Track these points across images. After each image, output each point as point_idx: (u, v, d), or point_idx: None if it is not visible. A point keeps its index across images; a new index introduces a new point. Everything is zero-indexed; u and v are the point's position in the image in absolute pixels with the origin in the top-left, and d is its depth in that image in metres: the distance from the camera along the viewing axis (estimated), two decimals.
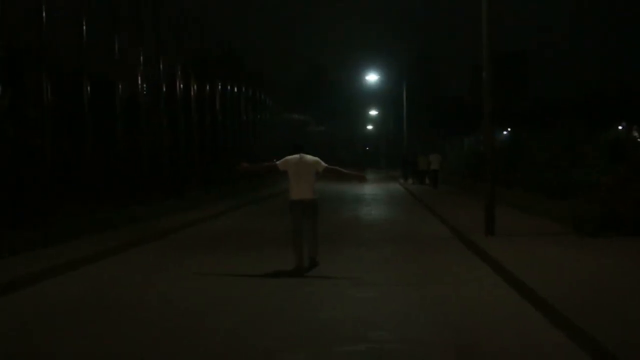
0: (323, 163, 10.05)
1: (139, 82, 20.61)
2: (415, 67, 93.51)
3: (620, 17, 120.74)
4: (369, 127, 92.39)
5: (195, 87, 26.13)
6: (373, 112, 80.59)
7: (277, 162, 10.24)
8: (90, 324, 7.01)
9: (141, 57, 20.73)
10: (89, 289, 8.83)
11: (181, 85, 24.45)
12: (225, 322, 6.94)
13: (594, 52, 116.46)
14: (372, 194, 29.84)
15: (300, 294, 8.28)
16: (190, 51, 26.66)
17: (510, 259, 9.48)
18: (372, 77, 57.53)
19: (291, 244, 9.97)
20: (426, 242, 13.06)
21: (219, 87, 30.30)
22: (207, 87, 28.18)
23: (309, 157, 10.07)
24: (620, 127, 44.46)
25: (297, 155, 10.05)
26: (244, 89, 36.03)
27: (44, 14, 15.21)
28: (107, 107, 18.32)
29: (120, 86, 19.02)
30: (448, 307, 7.48)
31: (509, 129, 49.43)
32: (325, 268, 10.01)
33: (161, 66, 22.43)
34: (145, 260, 11.26)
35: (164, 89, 22.66)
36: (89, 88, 17.06)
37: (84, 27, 17.05)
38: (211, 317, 7.20)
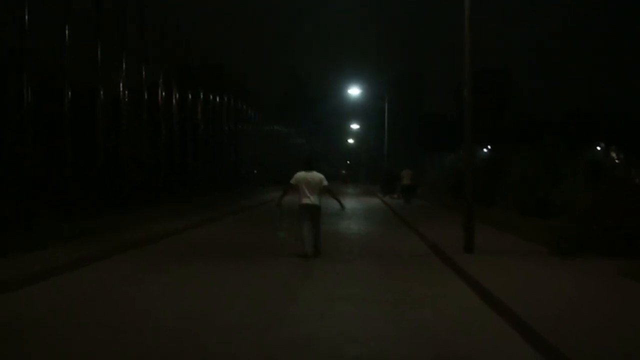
0: (325, 181, 12.83)
1: (121, 89, 20.54)
2: (399, 82, 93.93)
3: (604, 39, 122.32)
4: (350, 140, 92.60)
5: (177, 95, 26.08)
6: (355, 126, 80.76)
7: (292, 182, 12.88)
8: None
9: (124, 64, 20.67)
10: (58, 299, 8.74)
11: (163, 94, 24.41)
12: (200, 338, 6.87)
13: (577, 72, 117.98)
14: (352, 209, 29.83)
15: (276, 308, 8.23)
16: (173, 59, 26.65)
17: (487, 277, 9.51)
18: (354, 91, 57.64)
19: (300, 236, 12.62)
20: (404, 258, 13.07)
21: (201, 96, 30.27)
22: (189, 96, 28.14)
23: (317, 173, 12.82)
24: (598, 148, 44.92)
25: (307, 171, 12.80)
26: (226, 99, 36.02)
27: (26, 18, 15.13)
28: (88, 113, 18.23)
29: (101, 92, 18.93)
30: (424, 324, 7.48)
31: (489, 147, 49.76)
32: (303, 283, 10.02)
33: (144, 74, 22.37)
34: (119, 270, 11.15)
35: (146, 97, 22.60)
36: (69, 93, 16.96)
37: (67, 33, 16.98)
38: (188, 333, 7.13)
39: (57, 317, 7.65)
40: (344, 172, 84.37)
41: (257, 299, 8.81)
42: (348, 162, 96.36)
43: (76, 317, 7.70)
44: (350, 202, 34.68)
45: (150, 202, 21.02)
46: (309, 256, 12.39)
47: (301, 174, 12.84)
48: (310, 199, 12.60)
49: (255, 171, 48.29)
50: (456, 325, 7.47)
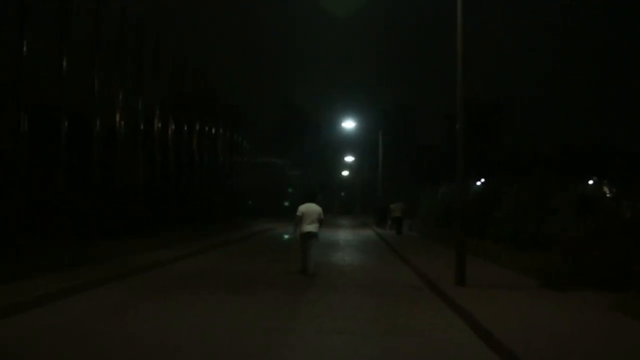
0: (322, 215, 15.17)
1: (117, 119, 20.68)
2: (392, 114, 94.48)
3: (596, 73, 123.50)
4: (345, 172, 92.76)
5: (172, 126, 26.24)
6: (349, 159, 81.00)
7: (298, 214, 15.01)
8: None
9: (120, 95, 20.85)
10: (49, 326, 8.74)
11: (159, 124, 24.55)
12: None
13: (570, 107, 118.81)
14: (346, 240, 29.90)
15: (266, 340, 8.24)
16: (170, 91, 26.87)
17: (478, 310, 9.56)
18: (348, 124, 57.94)
19: (301, 257, 15.01)
20: (396, 291, 13.08)
21: (197, 127, 30.44)
22: (185, 127, 28.31)
23: (316, 206, 15.12)
24: (590, 182, 45.09)
25: (309, 203, 15.12)
26: (221, 130, 36.21)
27: (24, 48, 15.30)
28: (84, 142, 18.34)
29: (98, 122, 19.06)
30: (415, 355, 7.51)
31: (482, 180, 49.93)
32: (293, 313, 10.07)
33: (140, 104, 22.55)
34: (110, 300, 11.14)
35: (142, 127, 22.74)
36: (66, 123, 17.09)
37: (64, 63, 17.16)
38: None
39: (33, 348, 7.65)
40: (337, 204, 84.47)
41: (246, 329, 8.81)
42: (342, 194, 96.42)
43: (52, 347, 7.69)
44: (345, 234, 34.77)
45: (143, 232, 21.02)
46: (309, 274, 14.71)
47: (304, 206, 15.10)
48: (310, 227, 14.86)
49: (250, 202, 48.33)
50: (446, 356, 7.50)
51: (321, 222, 15.19)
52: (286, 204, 64.24)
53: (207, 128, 32.75)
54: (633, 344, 7.74)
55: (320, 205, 15.39)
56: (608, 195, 17.41)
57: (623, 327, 8.69)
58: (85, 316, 9.52)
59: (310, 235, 14.93)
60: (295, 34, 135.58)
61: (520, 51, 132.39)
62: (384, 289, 13.32)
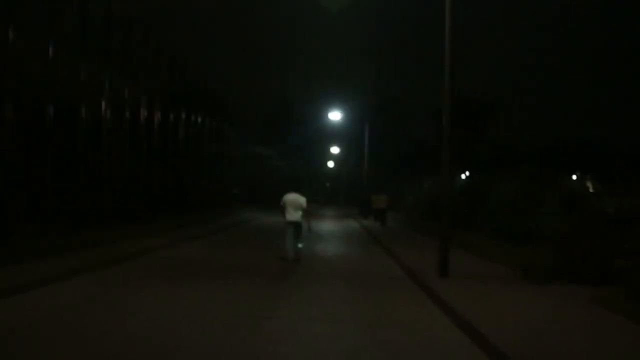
0: (305, 204, 15.19)
1: (103, 107, 20.57)
2: (379, 106, 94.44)
3: (594, 72, 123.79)
4: (331, 164, 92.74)
5: (159, 115, 26.13)
6: (335, 150, 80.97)
7: (282, 204, 15.17)
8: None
9: (106, 83, 20.74)
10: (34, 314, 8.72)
11: (145, 113, 24.44)
12: (186, 356, 6.91)
13: (557, 103, 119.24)
14: (330, 231, 29.94)
15: (253, 329, 8.28)
16: (156, 78, 26.74)
17: (460, 302, 9.65)
18: (335, 115, 57.85)
19: (283, 245, 14.98)
20: (380, 282, 13.16)
21: (183, 116, 30.33)
22: (171, 116, 28.19)
23: (300, 196, 15.22)
24: (574, 177, 45.46)
25: (293, 194, 15.27)
26: (208, 120, 36.10)
27: (10, 34, 15.19)
28: (70, 131, 18.24)
29: (83, 110, 18.95)
30: (397, 348, 7.57)
31: (467, 173, 50.19)
32: (279, 304, 10.10)
33: (126, 93, 22.43)
34: (95, 287, 11.14)
35: (128, 115, 22.63)
36: (51, 111, 16.98)
37: (50, 49, 17.04)
38: (171, 353, 7.17)
39: (21, 334, 7.65)
40: (322, 195, 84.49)
41: (232, 318, 8.86)
42: (327, 184, 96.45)
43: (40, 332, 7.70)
44: (329, 225, 34.83)
45: (128, 220, 20.98)
46: (289, 260, 14.84)
47: (287, 196, 15.27)
48: (293, 217, 15.04)
49: (236, 191, 48.29)
50: (428, 349, 7.58)
51: (304, 212, 15.29)
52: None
53: (193, 118, 32.64)
54: (611, 337, 7.84)
55: (305, 196, 15.51)
56: (591, 190, 17.57)
57: (603, 321, 8.80)
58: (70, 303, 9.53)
59: (293, 224, 15.14)
60: (288, 28, 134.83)
61: (518, 49, 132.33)
62: (368, 280, 13.38)
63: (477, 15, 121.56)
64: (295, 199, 15.25)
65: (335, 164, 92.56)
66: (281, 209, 15.34)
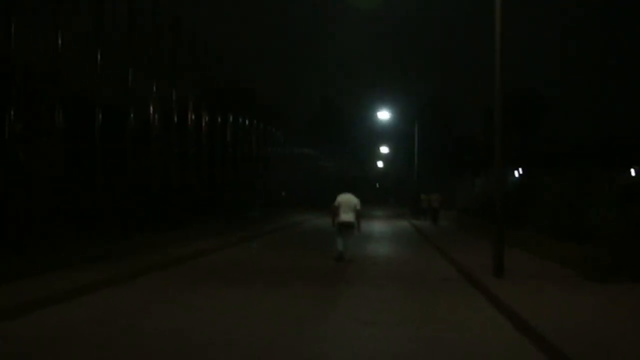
0: (359, 205, 15.53)
1: (151, 111, 20.71)
2: (427, 105, 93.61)
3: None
4: (379, 163, 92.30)
5: (206, 118, 26.24)
6: (384, 150, 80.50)
7: (335, 204, 15.58)
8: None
9: (154, 88, 20.87)
10: (87, 317, 8.72)
11: (193, 117, 24.57)
12: (233, 357, 6.84)
13: (613, 96, 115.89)
14: (380, 232, 29.69)
15: (305, 331, 8.12)
16: (204, 82, 26.88)
17: (517, 302, 9.31)
18: (383, 115, 57.53)
19: (335, 244, 15.53)
20: (432, 283, 12.87)
21: (231, 119, 30.44)
22: (219, 120, 28.31)
23: (353, 197, 15.57)
24: (632, 171, 44.24)
25: (346, 194, 15.62)
26: (255, 122, 36.20)
27: (59, 42, 15.36)
28: (118, 135, 18.39)
29: (132, 115, 19.10)
30: (452, 349, 7.32)
31: (520, 170, 49.27)
32: (330, 306, 9.96)
33: (174, 97, 22.56)
34: (155, 289, 11.15)
35: (176, 120, 22.76)
36: (100, 116, 17.14)
37: (99, 56, 17.21)
38: (218, 351, 7.08)
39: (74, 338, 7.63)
40: (373, 195, 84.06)
41: (287, 320, 8.74)
42: (377, 185, 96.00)
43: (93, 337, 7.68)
44: (380, 225, 34.57)
45: (178, 223, 21.08)
46: (341, 260, 15.25)
47: (341, 197, 15.68)
48: (346, 217, 15.39)
49: (283, 193, 48.35)
50: (485, 351, 7.31)
51: (358, 213, 15.51)
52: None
53: (240, 120, 32.74)
54: None
55: (358, 197, 15.74)
56: None
57: None
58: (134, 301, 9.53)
59: (346, 225, 15.44)
60: (327, 28, 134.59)
61: (566, 41, 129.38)
62: (420, 281, 13.13)
63: (528, 9, 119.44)
64: (349, 199, 15.54)
65: (384, 163, 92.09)
66: (333, 210, 15.67)
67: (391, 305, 10.18)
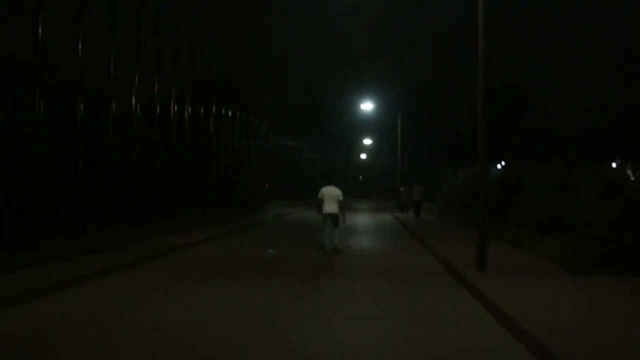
0: (341, 197, 16.13)
1: (133, 102, 20.48)
2: (411, 98, 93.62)
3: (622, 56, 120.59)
4: (363, 156, 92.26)
5: (189, 109, 26.01)
6: (367, 141, 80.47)
7: (319, 197, 16.18)
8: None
9: (136, 77, 20.64)
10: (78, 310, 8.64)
11: (175, 107, 24.33)
12: (216, 351, 6.81)
13: (594, 88, 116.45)
14: (364, 224, 29.69)
15: (290, 326, 8.08)
16: (186, 73, 26.62)
17: (500, 296, 9.32)
18: (367, 106, 57.39)
19: (321, 236, 16.31)
20: (416, 276, 12.88)
21: (214, 110, 30.19)
22: (202, 110, 28.08)
23: (336, 188, 16.20)
24: (614, 164, 44.45)
25: (329, 186, 16.22)
26: (238, 114, 35.97)
27: (39, 31, 15.12)
28: (100, 126, 18.16)
29: (113, 105, 18.87)
30: (436, 343, 7.33)
31: (503, 163, 49.37)
32: (315, 300, 9.95)
33: (156, 87, 22.32)
34: (138, 283, 11.06)
35: (158, 110, 22.53)
36: (82, 106, 16.93)
37: (80, 46, 16.98)
38: (204, 345, 7.03)
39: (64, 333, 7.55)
40: (355, 187, 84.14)
41: (270, 315, 8.69)
42: (360, 177, 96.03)
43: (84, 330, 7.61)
44: (363, 218, 34.58)
45: (162, 216, 20.92)
46: (327, 251, 15.84)
47: (324, 189, 16.21)
48: (330, 208, 15.94)
49: (267, 185, 48.19)
50: (467, 344, 7.32)
51: (341, 204, 16.06)
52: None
53: (223, 111, 32.49)
54: None
55: (340, 188, 16.27)
56: (632, 178, 16.99)
57: None
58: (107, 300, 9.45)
59: (330, 216, 16.05)
60: (314, 21, 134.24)
61: (550, 36, 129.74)
62: (404, 275, 13.13)
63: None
64: (332, 191, 16.13)
65: (367, 155, 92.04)
66: (317, 202, 16.21)
67: (374, 299, 10.19)
